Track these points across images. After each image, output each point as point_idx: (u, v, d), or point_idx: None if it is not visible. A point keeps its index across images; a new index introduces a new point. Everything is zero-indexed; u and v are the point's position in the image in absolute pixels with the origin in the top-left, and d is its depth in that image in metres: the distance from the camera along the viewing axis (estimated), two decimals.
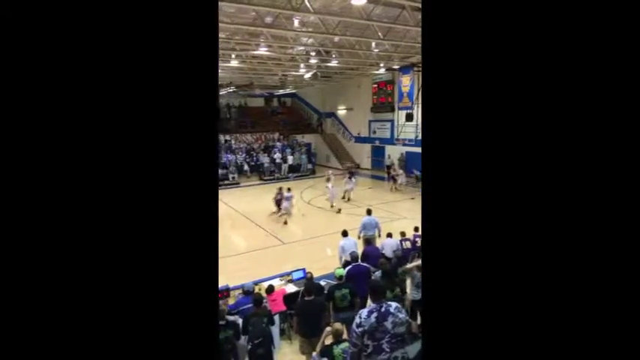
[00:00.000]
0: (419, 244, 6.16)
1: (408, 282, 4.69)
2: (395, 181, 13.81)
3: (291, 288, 5.00)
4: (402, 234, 6.34)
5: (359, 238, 6.67)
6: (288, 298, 4.67)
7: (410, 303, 4.58)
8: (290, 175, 17.15)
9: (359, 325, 2.47)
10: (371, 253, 5.52)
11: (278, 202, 10.59)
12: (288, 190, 10.75)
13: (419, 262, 4.56)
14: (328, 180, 11.94)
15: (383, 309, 2.49)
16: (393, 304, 2.56)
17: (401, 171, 14.18)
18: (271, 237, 8.74)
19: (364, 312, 2.53)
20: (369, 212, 7.17)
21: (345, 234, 5.97)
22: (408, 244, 6.06)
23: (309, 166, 18.51)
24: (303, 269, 5.33)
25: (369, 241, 6.43)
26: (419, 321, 4.65)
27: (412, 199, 12.30)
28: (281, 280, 5.24)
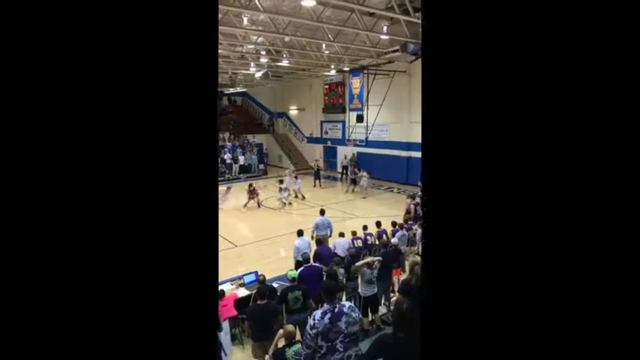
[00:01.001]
0: (370, 242, 6.34)
1: (359, 280, 4.80)
2: (355, 183, 13.35)
3: (242, 292, 4.88)
4: (354, 233, 6.48)
5: (312, 238, 6.71)
6: (240, 303, 4.55)
7: (361, 300, 4.70)
8: (241, 175, 16.78)
9: (312, 327, 2.48)
10: (323, 253, 5.57)
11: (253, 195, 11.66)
12: (281, 182, 12.16)
13: (368, 259, 4.68)
14: (281, 182, 12.11)
15: (336, 309, 2.51)
16: (347, 304, 2.60)
17: (364, 173, 13.51)
18: (223, 240, 8.48)
19: (318, 313, 2.54)
20: (322, 212, 7.24)
21: (300, 234, 5.96)
22: (359, 243, 6.20)
23: (261, 166, 18.25)
24: (255, 272, 5.23)
25: (321, 242, 6.48)
26: (370, 317, 4.80)
27: (364, 198, 12.62)
28: (232, 285, 5.10)
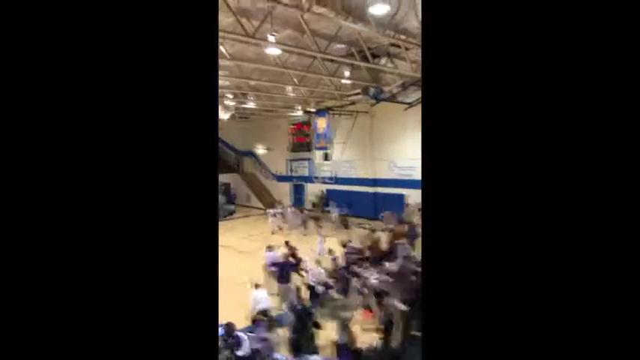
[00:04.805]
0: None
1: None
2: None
3: None
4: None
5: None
6: None
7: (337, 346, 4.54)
8: None
9: None
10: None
11: None
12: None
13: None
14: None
15: None
16: (314, 358, 2.55)
17: (334, 208, 13.74)
18: None
19: (282, 358, 2.50)
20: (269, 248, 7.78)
21: (256, 286, 5.88)
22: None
23: (230, 207, 17.86)
24: (225, 325, 4.95)
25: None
26: None
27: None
28: None
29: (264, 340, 2.92)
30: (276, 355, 2.56)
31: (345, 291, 5.74)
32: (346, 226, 12.42)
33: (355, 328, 4.69)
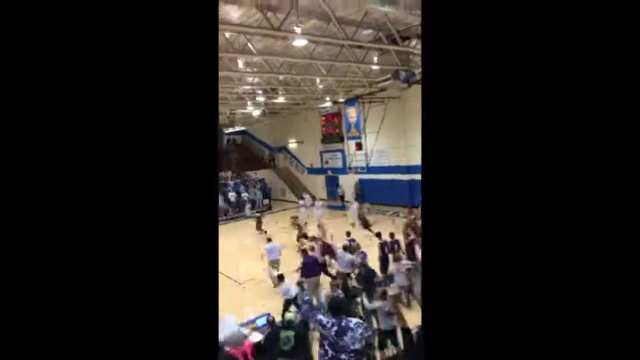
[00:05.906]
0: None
1: (377, 313, 4.63)
2: (366, 222, 11.75)
3: (256, 337, 4.71)
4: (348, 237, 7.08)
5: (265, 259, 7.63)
6: (256, 348, 4.38)
7: (381, 334, 4.50)
8: (249, 211, 16.70)
9: (322, 322, 2.62)
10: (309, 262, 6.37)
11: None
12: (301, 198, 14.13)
13: (390, 289, 4.53)
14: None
15: (343, 323, 2.57)
16: (354, 320, 2.66)
17: (354, 201, 13.32)
18: (224, 277, 8.23)
19: (325, 319, 2.64)
20: (269, 240, 8.29)
21: (281, 278, 5.91)
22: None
23: (266, 201, 18.21)
24: (267, 314, 5.08)
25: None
26: (392, 351, 4.57)
27: (352, 224, 12.22)
28: (244, 329, 4.93)
29: (308, 302, 3.01)
30: (318, 316, 2.64)
31: (368, 279, 5.64)
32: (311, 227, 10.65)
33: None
